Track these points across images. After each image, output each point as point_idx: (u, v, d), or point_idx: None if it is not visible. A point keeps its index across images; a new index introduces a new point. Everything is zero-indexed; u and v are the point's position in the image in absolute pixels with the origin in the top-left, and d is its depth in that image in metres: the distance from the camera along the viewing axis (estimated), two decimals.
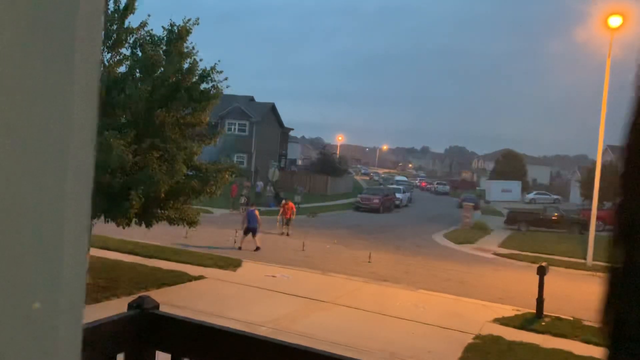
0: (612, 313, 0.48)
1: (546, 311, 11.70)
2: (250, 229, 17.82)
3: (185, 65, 11.86)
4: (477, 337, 10.08)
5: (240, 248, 17.70)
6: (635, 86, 0.49)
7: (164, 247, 16.23)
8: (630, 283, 0.46)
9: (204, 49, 12.86)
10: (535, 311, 11.68)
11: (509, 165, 72.29)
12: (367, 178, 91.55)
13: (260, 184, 38.04)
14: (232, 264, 14.68)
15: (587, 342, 9.82)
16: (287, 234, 22.38)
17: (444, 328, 10.55)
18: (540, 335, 10.47)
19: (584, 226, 29.88)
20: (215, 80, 12.08)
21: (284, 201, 21.87)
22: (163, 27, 11.85)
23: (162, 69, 11.37)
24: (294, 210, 22.70)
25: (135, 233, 13.88)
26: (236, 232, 18.58)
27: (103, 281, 11.05)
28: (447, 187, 77.14)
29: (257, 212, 18.25)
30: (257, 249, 17.75)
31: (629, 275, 0.47)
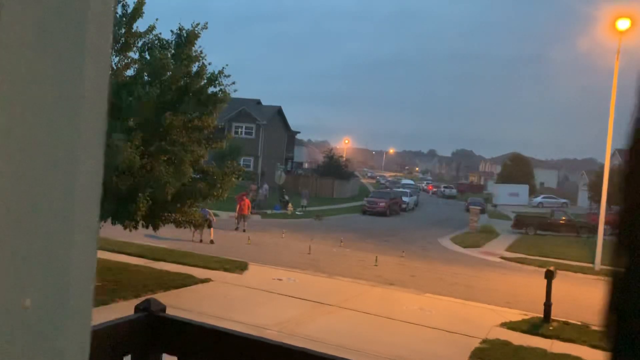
0: (614, 317, 0.47)
1: (554, 315, 11.62)
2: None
3: (194, 69, 11.92)
4: (484, 341, 10.02)
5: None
6: (637, 91, 0.49)
7: (171, 249, 16.29)
8: (632, 287, 0.46)
9: (214, 53, 12.92)
10: (542, 315, 11.60)
11: (517, 168, 71.95)
12: (374, 181, 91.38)
13: (266, 186, 38.09)
14: (239, 267, 14.70)
15: (595, 347, 9.74)
16: (244, 230, 22.85)
17: (451, 332, 10.50)
18: (548, 340, 10.39)
19: (592, 230, 29.69)
20: (222, 84, 12.14)
21: (242, 196, 23.18)
22: (172, 31, 11.93)
23: (170, 72, 11.42)
24: (250, 206, 24.18)
25: (144, 232, 13.91)
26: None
27: (110, 284, 11.09)
28: (454, 191, 76.86)
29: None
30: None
31: (631, 279, 0.46)
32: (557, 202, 63.17)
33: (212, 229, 18.92)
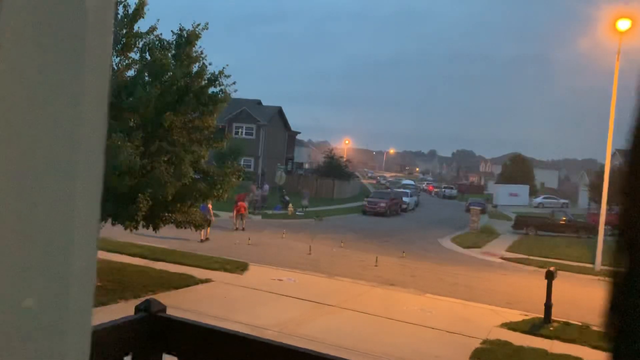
0: (616, 317, 0.48)
1: (554, 316, 11.62)
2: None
3: (194, 69, 11.93)
4: (485, 342, 10.02)
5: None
6: (637, 92, 0.49)
7: (172, 250, 16.29)
8: (633, 287, 0.46)
9: (215, 54, 12.92)
10: (543, 316, 11.60)
11: (517, 169, 71.92)
12: (374, 182, 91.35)
13: (266, 187, 38.08)
14: (239, 267, 14.70)
15: (596, 347, 9.74)
16: (243, 229, 23.66)
17: (451, 333, 10.50)
18: (549, 341, 10.39)
19: (593, 230, 29.68)
20: (223, 85, 12.15)
21: (237, 200, 24.17)
22: (172, 31, 11.94)
23: (170, 72, 11.43)
24: (246, 207, 25.37)
25: (138, 232, 13.87)
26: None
27: (110, 284, 11.09)
28: (455, 191, 76.77)
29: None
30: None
31: (632, 279, 0.46)
32: (557, 203, 63.14)
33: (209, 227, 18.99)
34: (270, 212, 33.21)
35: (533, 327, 11.21)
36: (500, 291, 15.36)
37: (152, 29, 11.87)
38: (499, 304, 13.48)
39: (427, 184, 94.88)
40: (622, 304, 0.47)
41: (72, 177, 0.51)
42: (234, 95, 12.71)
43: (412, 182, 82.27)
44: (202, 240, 18.74)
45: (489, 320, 11.67)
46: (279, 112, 53.34)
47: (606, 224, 21.63)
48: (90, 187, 0.53)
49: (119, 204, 10.46)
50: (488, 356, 9.25)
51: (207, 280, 12.90)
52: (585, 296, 14.78)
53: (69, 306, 0.51)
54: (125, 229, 11.33)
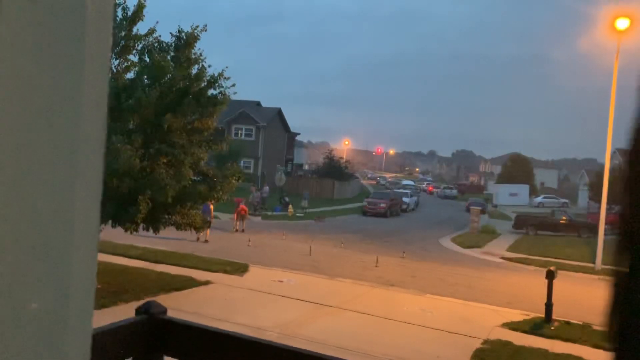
0: (617, 316, 0.48)
1: (555, 315, 11.62)
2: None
3: (193, 71, 11.93)
4: (486, 342, 10.02)
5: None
6: (638, 92, 0.49)
7: (172, 252, 16.28)
8: (634, 287, 0.46)
9: (214, 55, 12.90)
10: (544, 316, 11.60)
11: (517, 169, 71.94)
12: (374, 182, 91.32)
13: (266, 188, 38.08)
14: (240, 269, 14.69)
15: (597, 347, 9.74)
16: (242, 230, 24.01)
17: (452, 333, 10.50)
18: (549, 340, 10.39)
19: (593, 230, 29.67)
20: (222, 87, 12.15)
21: (237, 203, 24.44)
22: (171, 33, 11.94)
23: (169, 75, 11.42)
24: (246, 209, 25.66)
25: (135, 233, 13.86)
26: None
27: (111, 286, 11.08)
28: (455, 191, 76.69)
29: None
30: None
31: (633, 278, 0.46)
32: (557, 202, 63.14)
33: (208, 228, 19.04)
34: (270, 213, 33.20)
35: (534, 327, 11.21)
36: (501, 291, 15.36)
37: (151, 31, 11.87)
38: (500, 303, 13.47)
39: (427, 184, 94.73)
40: (623, 303, 0.47)
41: (71, 179, 0.51)
42: (233, 97, 12.70)
43: (412, 183, 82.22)
44: (198, 239, 18.85)
45: (489, 320, 11.66)
46: (279, 113, 53.35)
47: (606, 223, 21.62)
48: (90, 189, 0.53)
49: (119, 206, 10.46)
50: (489, 356, 9.24)
51: (207, 282, 12.90)
52: (585, 296, 14.78)
53: (69, 309, 0.51)
54: (126, 231, 11.33)
